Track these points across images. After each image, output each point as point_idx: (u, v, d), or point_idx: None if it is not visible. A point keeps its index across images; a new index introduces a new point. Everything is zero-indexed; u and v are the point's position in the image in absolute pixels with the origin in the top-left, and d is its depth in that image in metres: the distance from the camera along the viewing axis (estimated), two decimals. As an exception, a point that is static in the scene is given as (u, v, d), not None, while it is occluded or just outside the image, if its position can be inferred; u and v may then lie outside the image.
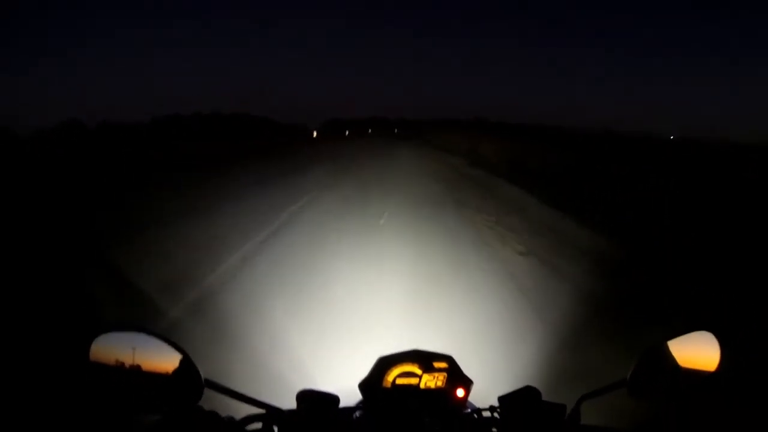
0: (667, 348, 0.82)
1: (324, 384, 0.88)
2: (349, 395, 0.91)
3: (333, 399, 0.84)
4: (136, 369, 0.72)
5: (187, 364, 0.72)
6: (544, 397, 0.86)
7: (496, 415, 0.87)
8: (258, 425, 0.78)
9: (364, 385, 0.86)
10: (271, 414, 0.78)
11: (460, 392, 0.87)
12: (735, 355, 0.79)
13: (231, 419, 0.76)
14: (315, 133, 51.66)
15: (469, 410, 0.89)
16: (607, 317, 3.69)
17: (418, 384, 0.86)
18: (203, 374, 0.73)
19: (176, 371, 0.72)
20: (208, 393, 0.74)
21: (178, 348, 0.73)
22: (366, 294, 4.02)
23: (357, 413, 0.87)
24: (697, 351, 0.81)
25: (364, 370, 0.88)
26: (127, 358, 0.72)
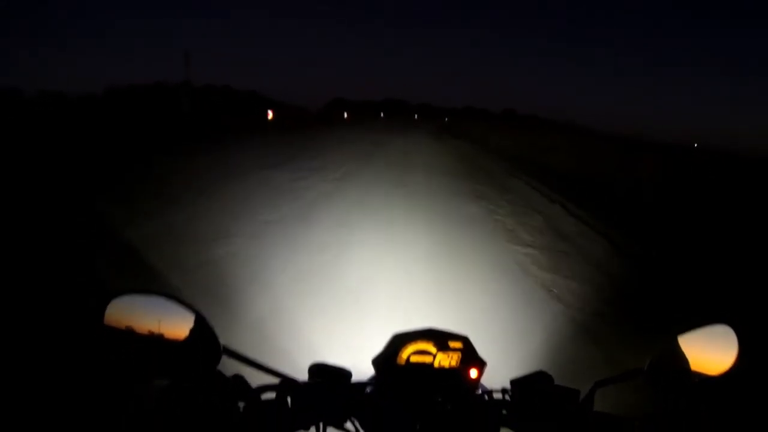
0: (684, 340, 0.82)
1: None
2: (362, 371, 0.91)
3: (345, 373, 0.85)
4: (153, 333, 0.71)
5: (205, 329, 0.72)
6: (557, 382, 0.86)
7: (507, 397, 0.88)
8: (271, 395, 0.78)
9: (377, 361, 0.87)
10: (286, 384, 0.79)
11: (473, 373, 0.87)
12: (753, 350, 0.79)
13: (245, 386, 0.77)
14: (270, 115, 33.02)
15: (481, 392, 0.90)
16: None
17: (432, 363, 0.86)
18: (221, 340, 0.73)
19: (194, 336, 0.72)
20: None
21: (196, 313, 0.73)
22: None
23: (369, 388, 0.87)
24: (715, 345, 0.81)
25: (377, 347, 0.88)
26: (143, 322, 0.71)
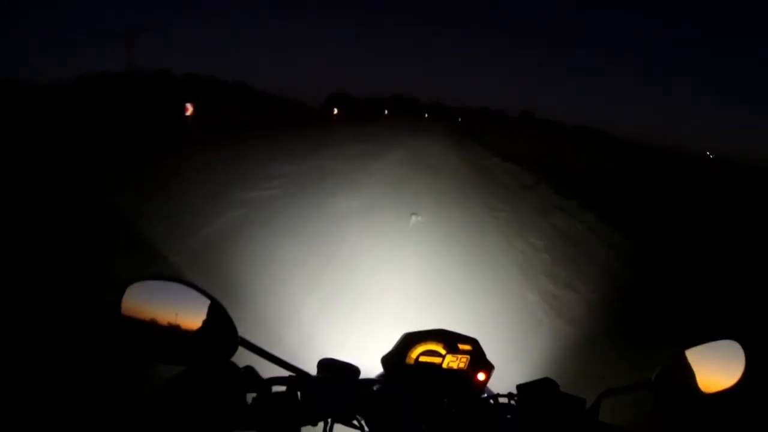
0: (692, 354, 0.82)
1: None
2: (370, 368, 0.92)
3: (354, 369, 0.85)
4: (171, 320, 0.71)
5: (223, 318, 0.73)
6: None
7: (513, 402, 0.88)
8: (281, 388, 0.79)
9: (387, 360, 0.87)
10: (297, 378, 0.79)
11: (481, 376, 0.88)
12: (760, 365, 0.80)
13: (256, 378, 0.77)
14: (189, 110, 19.27)
15: (487, 395, 0.90)
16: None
17: (441, 364, 0.87)
18: (239, 331, 0.73)
19: (211, 325, 0.72)
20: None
21: (214, 301, 0.73)
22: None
23: (377, 386, 0.88)
24: (722, 359, 0.81)
25: (387, 346, 0.89)
26: (161, 308, 0.72)
